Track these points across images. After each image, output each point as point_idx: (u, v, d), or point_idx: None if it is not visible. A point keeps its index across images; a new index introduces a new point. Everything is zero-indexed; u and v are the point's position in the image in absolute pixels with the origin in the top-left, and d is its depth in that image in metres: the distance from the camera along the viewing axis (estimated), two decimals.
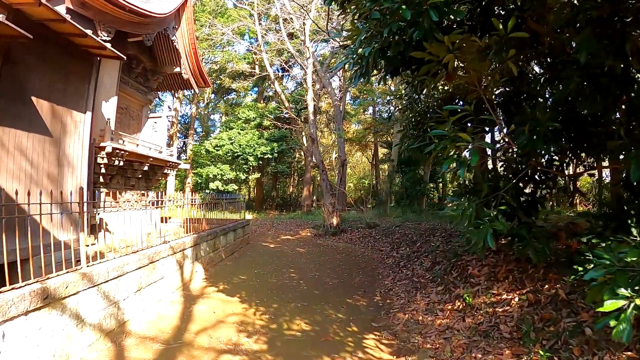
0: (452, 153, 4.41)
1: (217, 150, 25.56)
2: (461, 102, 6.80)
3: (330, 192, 16.72)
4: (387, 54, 5.06)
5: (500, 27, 4.05)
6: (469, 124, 5.28)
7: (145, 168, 10.72)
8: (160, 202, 8.97)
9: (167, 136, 30.79)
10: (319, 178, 31.75)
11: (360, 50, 4.63)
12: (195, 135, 34.92)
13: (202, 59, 28.92)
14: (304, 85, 26.74)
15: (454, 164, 4.18)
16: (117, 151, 8.84)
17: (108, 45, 6.93)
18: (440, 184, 30.23)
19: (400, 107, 7.82)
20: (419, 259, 9.11)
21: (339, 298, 7.45)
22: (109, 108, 9.17)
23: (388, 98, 22.44)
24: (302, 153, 29.58)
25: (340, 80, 26.96)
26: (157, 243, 7.38)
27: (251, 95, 35.50)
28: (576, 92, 4.62)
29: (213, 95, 37.73)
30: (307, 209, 26.81)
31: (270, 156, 25.02)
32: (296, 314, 6.45)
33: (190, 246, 8.75)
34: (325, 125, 31.41)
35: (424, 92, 6.85)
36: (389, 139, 30.70)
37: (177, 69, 12.15)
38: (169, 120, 13.96)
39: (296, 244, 14.75)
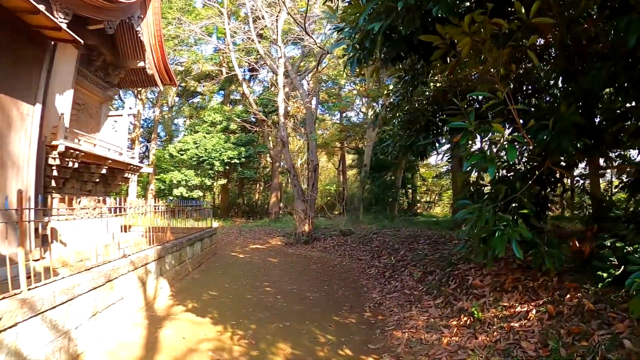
0: (473, 149, 3.81)
1: (182, 154, 24.16)
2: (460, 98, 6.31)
3: (302, 198, 15.94)
4: (391, 37, 4.42)
5: (523, 11, 3.51)
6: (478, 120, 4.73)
7: (104, 171, 9.72)
8: (120, 209, 7.96)
9: (129, 139, 29.31)
10: (287, 184, 30.90)
11: (369, 26, 3.93)
12: (158, 140, 33.25)
13: (168, 58, 27.59)
14: (272, 89, 26.03)
15: (477, 161, 3.55)
16: (72, 151, 7.80)
17: (64, 25, 5.93)
18: (410, 190, 30.19)
19: (388, 106, 7.23)
20: (406, 269, 8.48)
21: (324, 315, 6.66)
22: (64, 102, 8.10)
23: (363, 101, 22.07)
24: (270, 158, 28.59)
25: (309, 84, 26.38)
26: (116, 257, 6.37)
27: (217, 99, 34.27)
28: (604, 85, 4.15)
29: (177, 99, 36.26)
30: (275, 216, 25.84)
31: (238, 161, 23.83)
32: (279, 337, 5.62)
33: (154, 259, 7.77)
34: (292, 130, 30.61)
35: (426, 81, 6.25)
36: (359, 145, 30.40)
37: (141, 64, 11.17)
38: (130, 120, 12.77)
39: (267, 254, 13.86)
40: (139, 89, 28.88)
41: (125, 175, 11.75)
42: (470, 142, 3.65)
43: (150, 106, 33.99)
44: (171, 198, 22.41)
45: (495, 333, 4.64)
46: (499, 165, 5.06)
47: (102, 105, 11.41)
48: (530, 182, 4.65)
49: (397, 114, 7.19)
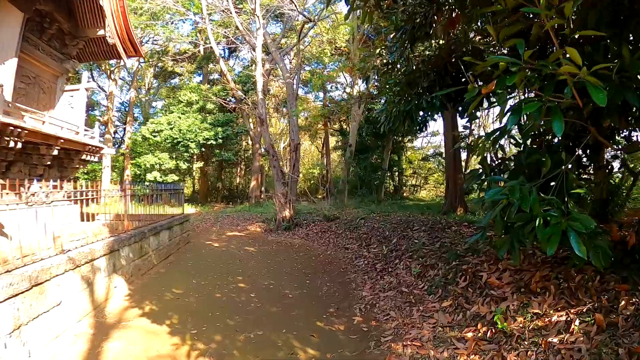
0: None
1: (155, 136, 22.47)
2: (470, 54, 5.08)
3: (282, 180, 14.66)
4: None
5: None
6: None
7: (56, 152, 8.57)
8: (70, 194, 6.74)
9: (101, 121, 27.48)
10: (269, 167, 29.44)
11: None
12: (137, 124, 31.41)
13: (142, 38, 25.71)
14: (252, 67, 24.42)
15: (534, 111, 2.34)
16: (12, 129, 6.65)
17: None
18: (397, 173, 29.14)
19: (381, 67, 5.97)
20: (401, 261, 7.34)
21: (306, 320, 5.48)
22: (5, 72, 7.00)
23: (348, 81, 20.76)
24: (250, 140, 27.02)
25: (291, 62, 24.83)
26: (50, 255, 5.09)
27: (196, 80, 32.43)
28: None
29: (155, 81, 34.38)
30: (255, 200, 24.50)
31: (214, 142, 22.16)
32: (248, 352, 4.42)
33: (104, 254, 6.55)
34: (274, 110, 29.07)
35: (429, 33, 4.96)
36: (343, 126, 29.10)
37: (101, 32, 10.05)
38: (87, 95, 11.23)
39: (245, 242, 12.62)
40: (111, 69, 26.99)
41: (83, 157, 10.52)
42: (518, 77, 2.42)
43: (128, 88, 32.03)
44: (147, 183, 20.90)
45: (529, 352, 3.52)
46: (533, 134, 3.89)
47: (58, 80, 10.23)
48: (577, 154, 3.48)
49: (392, 76, 5.95)
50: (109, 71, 27.18)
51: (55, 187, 10.65)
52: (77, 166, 10.81)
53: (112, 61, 27.91)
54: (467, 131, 17.31)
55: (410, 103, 5.22)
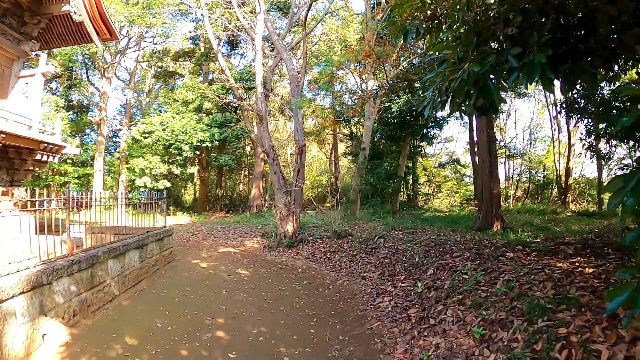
0: None
1: (145, 137, 20.37)
2: None
3: (284, 189, 12.50)
4: None
5: None
6: None
7: None
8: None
9: (94, 122, 25.53)
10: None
11: None
12: (134, 126, 29.61)
13: (140, 27, 23.74)
14: (253, 65, 22.35)
15: None
16: None
17: None
18: (411, 181, 26.87)
19: (429, 19, 3.80)
20: (447, 307, 5.08)
21: None
22: None
23: (358, 82, 18.63)
24: (253, 144, 24.84)
25: (298, 61, 22.71)
26: None
27: (195, 79, 30.73)
28: None
29: (158, 84, 32.77)
30: (257, 209, 22.29)
31: (210, 144, 19.91)
32: None
33: (22, 292, 4.52)
34: (279, 113, 26.90)
35: None
36: (354, 130, 26.93)
37: (67, 7, 8.42)
38: (43, 81, 9.20)
39: (238, 262, 10.44)
40: (105, 67, 25.08)
41: (38, 157, 8.56)
42: None
43: (128, 90, 30.23)
44: (143, 190, 18.87)
45: None
46: None
47: (14, 64, 8.52)
48: None
49: (448, 28, 3.77)
50: (102, 69, 25.27)
51: (4, 193, 8.64)
52: (32, 168, 8.83)
53: (107, 57, 26.11)
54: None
55: (486, 63, 3.07)
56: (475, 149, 25.36)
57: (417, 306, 5.72)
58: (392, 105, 15.95)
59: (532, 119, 33.95)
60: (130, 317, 5.99)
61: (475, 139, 26.19)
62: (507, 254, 6.35)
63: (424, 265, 6.98)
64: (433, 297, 5.70)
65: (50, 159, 9.01)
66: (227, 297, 7.22)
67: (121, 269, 7.32)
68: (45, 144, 8.37)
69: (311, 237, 12.00)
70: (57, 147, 8.83)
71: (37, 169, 9.09)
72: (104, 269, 6.66)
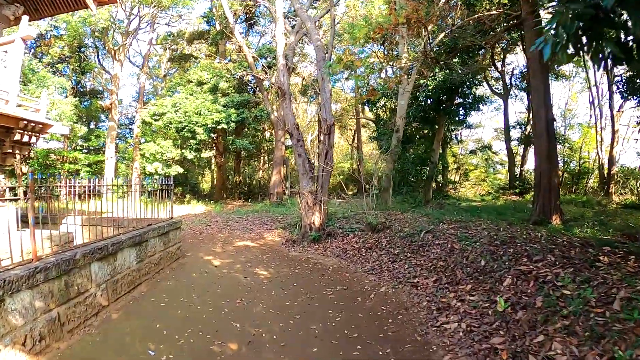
0: None
1: (156, 120, 18.91)
2: None
3: (310, 173, 10.89)
4: None
5: None
6: None
7: None
8: None
9: (104, 107, 24.35)
10: (293, 159, 25.51)
11: None
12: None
13: (151, 7, 22.35)
14: (272, 44, 20.65)
15: None
16: None
17: None
18: (441, 168, 24.90)
19: None
20: (548, 337, 3.42)
21: None
22: None
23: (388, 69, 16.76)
24: (273, 127, 23.11)
25: (321, 39, 20.87)
26: None
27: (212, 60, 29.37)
28: None
29: (172, 68, 31.57)
30: (277, 197, 20.73)
31: (226, 126, 18.34)
32: None
33: None
34: (301, 94, 25.12)
35: None
36: (380, 113, 24.96)
37: None
38: (24, 48, 7.78)
39: (256, 260, 8.94)
40: (115, 49, 23.75)
41: (16, 137, 7.19)
42: None
43: (142, 74, 28.98)
44: (156, 177, 17.51)
45: None
46: None
47: None
48: None
49: None
50: (113, 51, 23.95)
51: None
52: (11, 151, 7.45)
53: (117, 38, 24.78)
54: None
55: None
56: (510, 135, 23.15)
57: (502, 332, 4.09)
58: (429, 83, 14.09)
59: (566, 104, 31.44)
60: (117, 338, 4.56)
61: (508, 123, 23.96)
62: (601, 258, 4.67)
63: (495, 272, 5.30)
64: (524, 321, 4.05)
65: (34, 139, 7.63)
66: (242, 309, 5.71)
67: (111, 272, 5.87)
68: (26, 122, 7.00)
69: (341, 230, 10.38)
70: (41, 126, 7.44)
71: (15, 151, 7.67)
72: (85, 274, 5.19)
